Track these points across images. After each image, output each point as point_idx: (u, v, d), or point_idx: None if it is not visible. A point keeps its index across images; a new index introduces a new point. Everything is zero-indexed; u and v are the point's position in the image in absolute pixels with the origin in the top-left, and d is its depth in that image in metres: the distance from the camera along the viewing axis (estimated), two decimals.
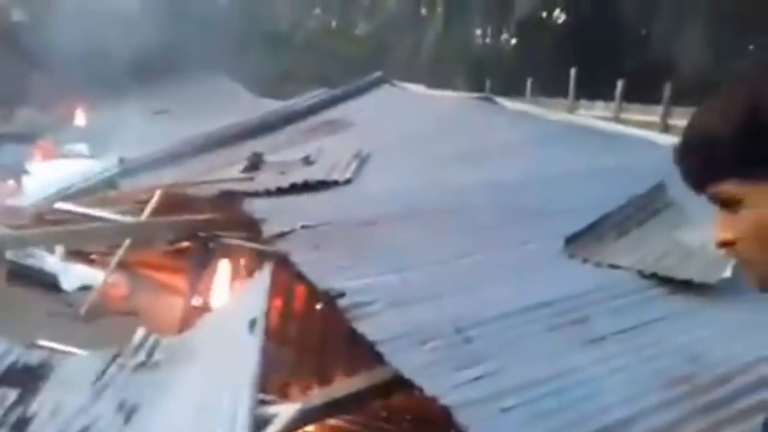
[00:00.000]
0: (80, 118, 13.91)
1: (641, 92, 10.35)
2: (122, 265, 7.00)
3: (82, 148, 11.55)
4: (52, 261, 7.28)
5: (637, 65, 12.96)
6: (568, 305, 3.51)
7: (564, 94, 11.71)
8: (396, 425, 4.30)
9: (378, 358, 3.21)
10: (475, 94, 8.68)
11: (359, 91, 9.95)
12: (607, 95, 11.19)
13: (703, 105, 0.89)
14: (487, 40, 18.79)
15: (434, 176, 5.52)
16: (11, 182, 9.62)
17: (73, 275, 7.18)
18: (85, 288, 6.97)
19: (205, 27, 15.84)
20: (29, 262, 6.97)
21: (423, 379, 2.84)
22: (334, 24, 20.31)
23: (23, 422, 3.71)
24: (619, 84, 10.78)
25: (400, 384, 3.13)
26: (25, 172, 9.80)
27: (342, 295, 3.54)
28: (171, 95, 13.94)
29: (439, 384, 2.81)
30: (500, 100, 8.59)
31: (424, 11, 18.84)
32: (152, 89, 14.04)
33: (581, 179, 5.14)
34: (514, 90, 12.47)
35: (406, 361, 3.04)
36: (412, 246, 4.15)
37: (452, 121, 7.33)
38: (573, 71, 11.53)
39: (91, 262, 7.64)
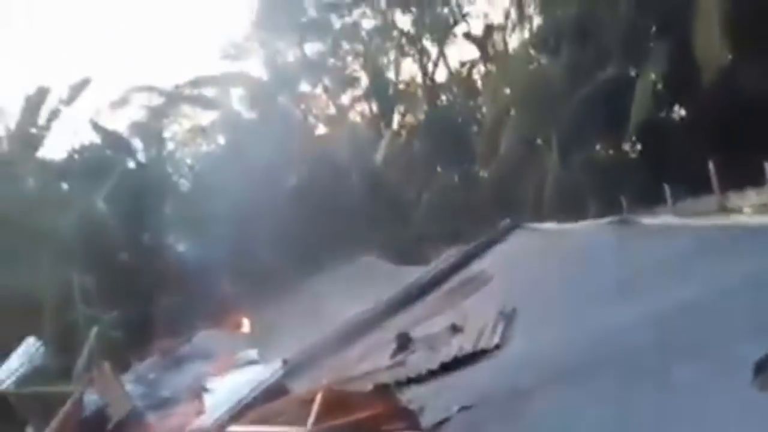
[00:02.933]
0: (246, 326, 14.95)
1: None
2: None
3: (252, 354, 12.26)
4: None
5: None
6: None
7: (708, 190, 11.01)
8: None
9: None
10: (611, 218, 8.38)
11: (492, 242, 9.96)
12: (757, 180, 10.37)
13: None
14: (610, 152, 18.43)
15: (585, 322, 5.22)
16: (196, 402, 10.32)
17: None
18: None
19: (339, 211, 16.95)
20: None
21: None
22: (456, 178, 20.99)
23: None
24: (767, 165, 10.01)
25: None
26: (206, 390, 10.48)
27: None
28: (318, 284, 14.72)
29: None
30: (639, 217, 8.22)
31: (539, 141, 19.06)
32: (301, 281, 14.93)
33: (752, 290, 4.62)
34: (653, 198, 11.93)
35: None
36: (576, 411, 3.85)
37: (592, 254, 7.05)
38: (711, 165, 10.89)
39: None
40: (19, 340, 11.27)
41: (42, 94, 16.79)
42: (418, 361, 5.72)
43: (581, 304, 5.75)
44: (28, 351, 10.78)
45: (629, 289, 5.65)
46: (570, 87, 16.04)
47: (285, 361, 9.59)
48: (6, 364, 10.56)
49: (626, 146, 17.67)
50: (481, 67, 23.52)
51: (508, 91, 19.57)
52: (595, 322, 5.19)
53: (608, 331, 4.91)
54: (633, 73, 16.19)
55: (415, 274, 11.28)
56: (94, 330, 11.23)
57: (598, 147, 17.65)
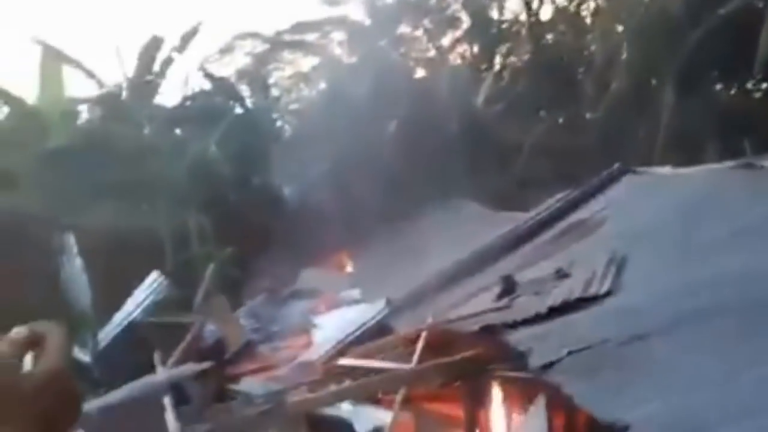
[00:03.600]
0: (349, 265, 15.43)
1: None
2: (405, 401, 7.37)
3: (355, 293, 12.70)
4: (344, 406, 7.94)
5: None
6: None
7: None
8: None
9: None
10: (733, 162, 7.88)
11: (601, 187, 9.65)
12: None
13: None
14: (732, 92, 17.16)
15: (702, 270, 5.02)
16: (303, 337, 10.88)
17: (364, 419, 7.71)
18: (376, 430, 7.42)
19: (438, 154, 16.88)
20: (325, 410, 7.68)
21: None
22: (561, 120, 20.27)
23: None
24: None
25: None
26: (313, 325, 11.02)
27: (627, 428, 3.30)
28: (421, 227, 14.86)
29: None
30: (764, 161, 7.66)
31: (654, 81, 17.99)
32: (401, 224, 15.13)
33: None
34: None
35: None
36: (693, 359, 3.76)
37: (711, 200, 6.69)
38: None
39: (377, 402, 8.17)
40: (144, 274, 12.22)
41: (156, 42, 17.56)
42: (525, 304, 5.72)
43: (697, 252, 5.52)
44: (152, 284, 11.69)
45: (751, 237, 5.36)
46: (689, 22, 14.93)
47: (389, 301, 9.88)
48: (134, 297, 11.52)
49: (750, 85, 16.37)
50: (591, 3, 22.26)
51: (620, 28, 18.47)
52: (712, 271, 4.98)
53: (726, 279, 4.71)
54: (760, 5, 14.83)
55: (514, 219, 11.15)
56: (211, 266, 11.96)
57: (718, 87, 16.45)
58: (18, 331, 0.84)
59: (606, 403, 3.59)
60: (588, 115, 19.23)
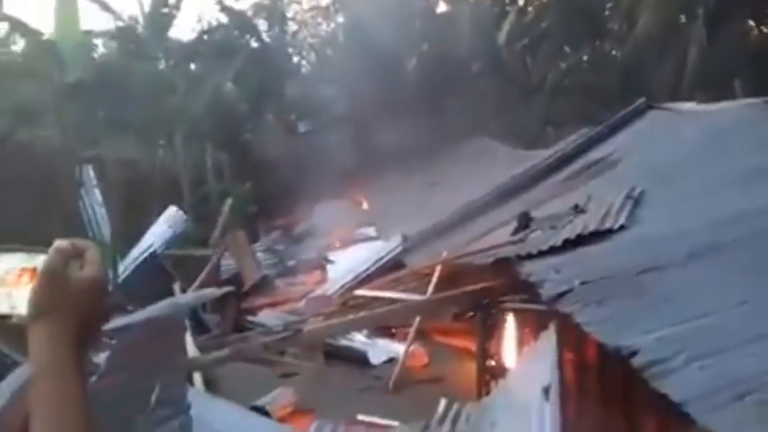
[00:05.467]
0: (366, 202, 15.45)
1: None
2: (419, 335, 7.51)
3: (371, 230, 12.75)
4: (360, 338, 8.11)
5: None
6: None
7: None
8: None
9: (689, 420, 2.91)
10: (758, 99, 7.64)
11: (623, 124, 9.47)
12: None
13: None
14: (764, 29, 16.55)
15: (719, 205, 4.94)
16: (318, 272, 11.01)
17: (378, 350, 7.89)
18: (389, 361, 7.59)
19: (459, 92, 16.60)
20: (341, 342, 7.85)
21: None
22: (585, 57, 19.74)
23: None
24: None
25: None
26: (329, 261, 11.13)
27: (635, 353, 3.31)
28: (438, 164, 14.76)
29: None
30: None
31: (683, 18, 17.38)
32: (421, 162, 15.04)
33: None
34: None
35: (723, 421, 2.71)
36: (705, 289, 3.74)
37: (731, 136, 6.53)
38: None
39: (392, 335, 8.33)
40: (161, 209, 12.35)
41: None
42: (540, 238, 5.70)
43: (713, 189, 5.44)
44: (170, 218, 11.82)
45: (765, 176, 5.25)
46: None
47: (405, 238, 9.92)
48: (152, 230, 11.67)
49: None
50: None
51: None
52: (731, 206, 4.91)
53: (744, 214, 4.65)
54: None
55: (535, 157, 11.02)
56: (228, 201, 12.04)
57: (751, 23, 15.85)
58: (61, 243, 0.97)
59: (616, 330, 3.59)
60: (614, 52, 18.71)
